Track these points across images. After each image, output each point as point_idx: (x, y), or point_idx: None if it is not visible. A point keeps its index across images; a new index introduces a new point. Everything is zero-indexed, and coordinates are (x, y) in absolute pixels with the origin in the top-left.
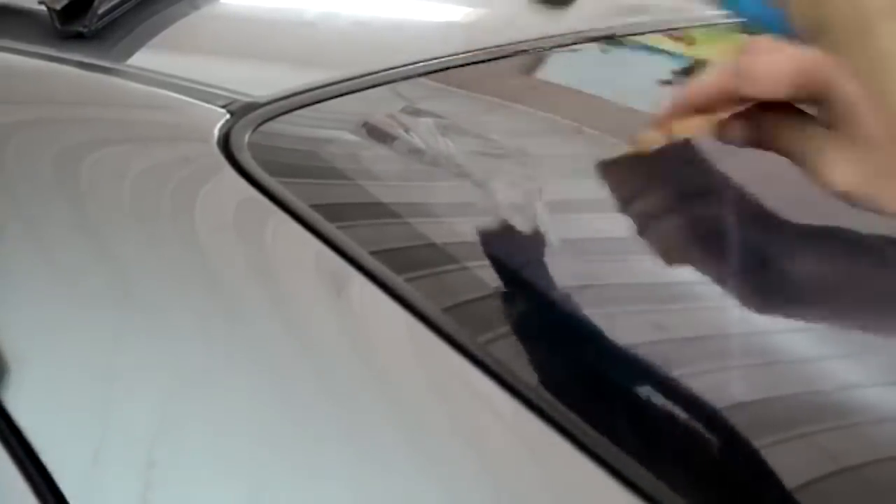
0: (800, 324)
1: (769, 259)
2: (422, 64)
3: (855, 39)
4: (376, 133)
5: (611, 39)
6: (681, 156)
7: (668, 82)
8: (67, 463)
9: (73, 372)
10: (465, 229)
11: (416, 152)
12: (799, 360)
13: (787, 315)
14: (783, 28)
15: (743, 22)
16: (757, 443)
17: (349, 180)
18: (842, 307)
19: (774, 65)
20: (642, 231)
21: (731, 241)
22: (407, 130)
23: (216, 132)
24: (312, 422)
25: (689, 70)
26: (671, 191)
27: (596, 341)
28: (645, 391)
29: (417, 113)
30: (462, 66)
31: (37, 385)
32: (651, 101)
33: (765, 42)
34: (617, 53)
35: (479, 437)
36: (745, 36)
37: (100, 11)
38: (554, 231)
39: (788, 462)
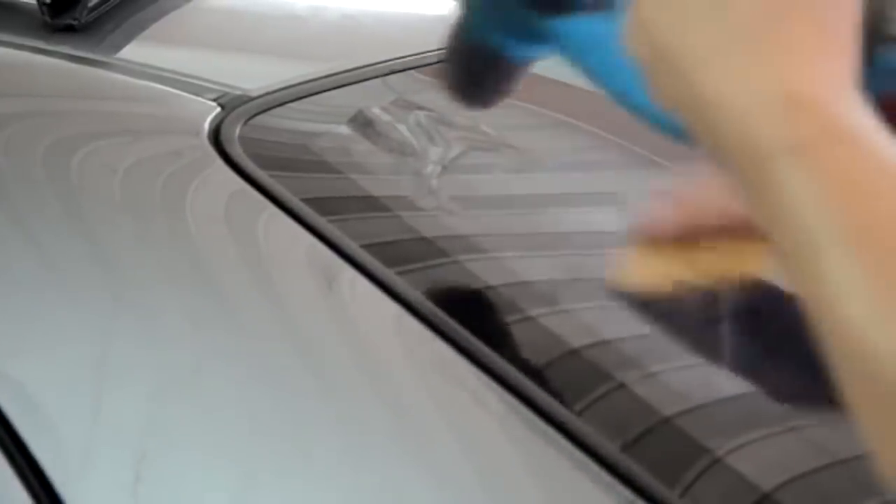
0: None
1: None
2: (413, 57)
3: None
4: (367, 126)
5: None
6: None
7: None
8: (58, 455)
9: (63, 364)
10: (454, 222)
11: (406, 146)
12: None
13: None
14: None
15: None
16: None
17: (340, 174)
18: None
19: None
20: None
21: None
22: (398, 124)
23: (207, 125)
24: (302, 413)
25: None
26: None
27: (582, 331)
28: (630, 380)
29: (408, 106)
30: None
31: (27, 377)
32: None
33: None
34: None
35: (468, 427)
36: None
37: (90, 4)
38: (541, 222)
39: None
